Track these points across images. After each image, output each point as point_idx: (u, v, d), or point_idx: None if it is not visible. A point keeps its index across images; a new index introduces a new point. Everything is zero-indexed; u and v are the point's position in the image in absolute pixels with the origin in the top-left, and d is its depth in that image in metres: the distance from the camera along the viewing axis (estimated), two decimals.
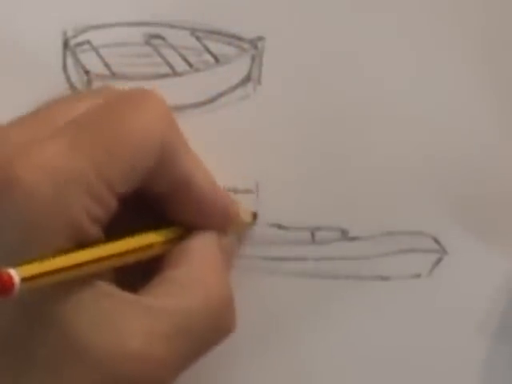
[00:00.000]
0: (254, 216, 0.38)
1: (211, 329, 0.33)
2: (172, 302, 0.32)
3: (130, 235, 0.32)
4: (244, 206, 0.37)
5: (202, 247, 0.34)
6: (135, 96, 0.33)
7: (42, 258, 0.28)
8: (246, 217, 0.37)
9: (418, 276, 0.39)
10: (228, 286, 0.34)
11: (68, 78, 0.39)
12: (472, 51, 0.39)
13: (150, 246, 0.33)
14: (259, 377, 0.38)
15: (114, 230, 0.32)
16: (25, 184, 0.29)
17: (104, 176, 0.30)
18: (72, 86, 0.39)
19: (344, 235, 0.38)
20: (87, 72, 0.39)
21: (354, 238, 0.38)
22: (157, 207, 0.34)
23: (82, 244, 0.30)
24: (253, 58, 0.39)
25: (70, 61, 0.39)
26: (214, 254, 0.34)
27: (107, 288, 0.31)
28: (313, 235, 0.38)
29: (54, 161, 0.29)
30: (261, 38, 0.39)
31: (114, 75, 0.39)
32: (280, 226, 0.38)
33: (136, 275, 0.32)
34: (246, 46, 0.39)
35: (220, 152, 0.38)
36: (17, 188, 0.29)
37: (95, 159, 0.30)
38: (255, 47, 0.39)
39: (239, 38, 0.39)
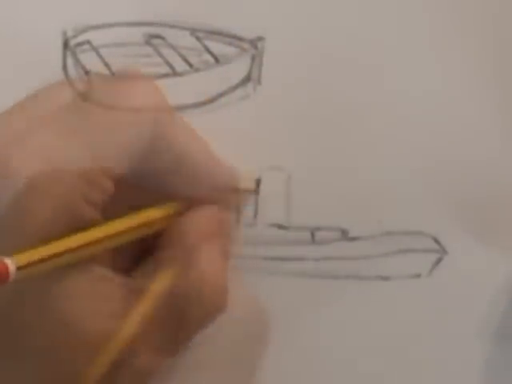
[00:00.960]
0: (258, 183, 0.37)
1: (200, 309, 0.33)
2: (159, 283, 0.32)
3: (127, 215, 0.32)
4: (246, 172, 0.37)
5: (197, 223, 0.33)
6: (123, 77, 0.32)
7: (37, 244, 0.29)
8: (249, 184, 0.37)
9: (418, 276, 0.39)
10: (220, 263, 0.34)
11: (68, 78, 0.38)
12: (475, 51, 0.39)
13: (146, 224, 0.33)
14: (259, 376, 0.38)
15: (113, 210, 0.32)
16: (21, 173, 0.29)
17: (98, 159, 0.30)
18: (72, 86, 0.38)
19: (344, 235, 0.38)
20: (87, 72, 0.39)
21: (354, 238, 0.38)
22: (154, 184, 0.34)
23: (81, 228, 0.30)
24: (253, 58, 0.39)
25: (70, 61, 0.39)
26: (210, 229, 0.34)
27: (102, 272, 0.31)
28: (313, 235, 0.38)
29: (47, 148, 0.30)
30: (261, 38, 0.39)
31: (114, 75, 0.39)
32: (280, 226, 0.38)
33: (135, 257, 0.33)
34: (246, 46, 0.39)
35: (220, 152, 0.38)
36: (13, 177, 0.29)
37: (88, 144, 0.30)
38: (255, 47, 0.39)
39: (239, 38, 0.39)
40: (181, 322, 0.32)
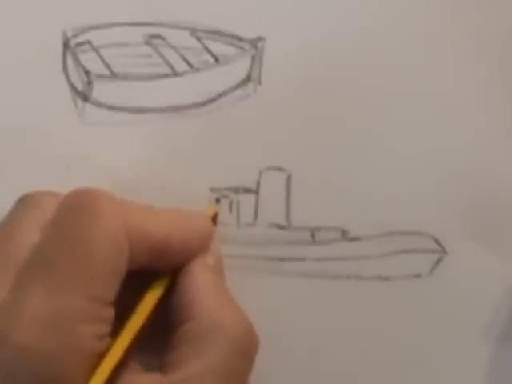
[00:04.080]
0: (214, 217, 0.37)
1: (244, 359, 0.34)
2: (201, 362, 0.32)
3: (129, 313, 0.33)
4: (207, 207, 0.37)
5: (196, 286, 0.34)
6: (82, 205, 0.32)
7: None
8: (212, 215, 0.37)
9: (418, 276, 0.39)
10: (232, 303, 0.35)
11: (68, 78, 0.39)
12: (475, 51, 0.39)
13: (153, 306, 0.34)
14: (259, 376, 0.38)
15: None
16: (21, 345, 0.29)
17: (91, 296, 0.30)
18: (72, 86, 0.39)
19: (344, 235, 0.38)
20: (87, 72, 0.39)
21: (354, 238, 0.38)
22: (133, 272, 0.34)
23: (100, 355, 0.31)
24: (253, 58, 0.39)
25: (70, 61, 0.39)
26: (211, 283, 0.35)
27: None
28: (313, 235, 0.38)
29: (41, 312, 0.30)
30: (261, 38, 0.39)
31: (114, 75, 0.39)
32: (280, 226, 0.38)
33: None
34: (246, 46, 0.39)
35: (220, 152, 0.38)
36: (21, 352, 0.29)
37: (76, 289, 0.30)
38: (255, 47, 0.39)
39: (239, 38, 0.39)
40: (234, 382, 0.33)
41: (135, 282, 0.33)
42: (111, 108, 0.39)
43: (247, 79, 0.39)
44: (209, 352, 0.32)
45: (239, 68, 0.39)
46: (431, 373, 0.39)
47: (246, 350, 0.34)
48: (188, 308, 0.33)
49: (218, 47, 0.39)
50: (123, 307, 0.33)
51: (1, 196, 0.38)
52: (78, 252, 0.31)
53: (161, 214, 0.34)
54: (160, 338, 0.33)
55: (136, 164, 0.38)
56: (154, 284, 0.34)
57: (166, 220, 0.34)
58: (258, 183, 0.38)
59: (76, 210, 0.32)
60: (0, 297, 0.30)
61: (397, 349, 0.38)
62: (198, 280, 0.34)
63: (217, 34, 0.39)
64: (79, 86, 0.39)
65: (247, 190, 0.38)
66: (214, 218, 0.37)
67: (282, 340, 0.38)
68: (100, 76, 0.39)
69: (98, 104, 0.38)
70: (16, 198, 0.37)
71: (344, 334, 0.38)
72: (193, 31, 0.39)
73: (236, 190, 0.38)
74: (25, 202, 0.34)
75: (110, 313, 0.31)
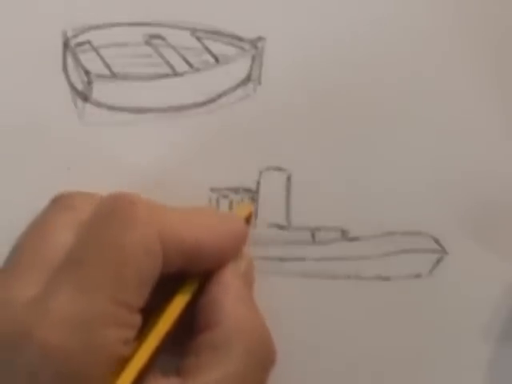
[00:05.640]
0: (248, 218, 0.37)
1: (261, 371, 0.33)
2: (220, 370, 0.32)
3: (155, 317, 0.33)
4: (241, 207, 0.37)
5: (225, 295, 0.34)
6: (118, 211, 0.32)
7: None
8: (248, 215, 0.37)
9: (419, 276, 0.38)
10: (258, 315, 0.34)
11: (68, 78, 0.39)
12: (475, 52, 0.39)
13: (180, 311, 0.34)
14: None
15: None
16: (45, 342, 0.29)
17: (120, 302, 0.30)
18: (72, 86, 0.39)
19: (344, 235, 0.38)
20: (87, 72, 0.39)
21: (354, 238, 0.38)
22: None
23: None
24: (253, 58, 0.39)
25: (70, 61, 0.39)
26: (240, 293, 0.34)
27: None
28: (313, 235, 0.38)
29: (68, 311, 0.30)
30: (261, 38, 0.39)
31: (114, 75, 0.39)
32: (280, 226, 0.38)
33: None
34: (246, 46, 0.39)
35: (220, 152, 0.38)
36: (45, 350, 0.29)
37: (105, 293, 0.30)
38: (255, 47, 0.39)
39: (239, 38, 0.39)
40: None
41: (164, 284, 0.33)
42: (111, 108, 0.39)
43: (247, 79, 0.39)
44: (229, 361, 0.32)
45: (239, 68, 0.39)
46: (431, 373, 0.39)
47: (264, 362, 0.34)
48: (214, 315, 0.33)
49: (218, 47, 0.39)
50: (150, 310, 0.33)
51: (1, 196, 0.38)
52: (110, 257, 0.31)
53: (194, 217, 0.34)
54: (180, 342, 0.33)
55: (136, 164, 0.38)
56: (182, 289, 0.34)
57: (200, 223, 0.34)
58: (258, 183, 0.38)
59: (111, 215, 0.32)
60: (29, 294, 0.30)
61: (397, 349, 0.38)
62: (229, 288, 0.34)
63: (217, 33, 0.39)
64: (79, 86, 0.39)
65: (247, 190, 0.38)
66: (248, 219, 0.37)
67: (282, 340, 0.38)
68: (100, 76, 0.39)
69: (98, 104, 0.38)
70: (16, 197, 0.37)
71: (344, 333, 0.38)
72: (193, 31, 0.39)
73: (236, 190, 0.38)
74: (60, 203, 0.34)
75: (137, 319, 0.31)
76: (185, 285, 0.34)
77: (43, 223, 0.33)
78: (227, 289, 0.34)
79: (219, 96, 0.39)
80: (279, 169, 0.38)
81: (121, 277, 0.31)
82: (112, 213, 0.32)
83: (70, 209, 0.33)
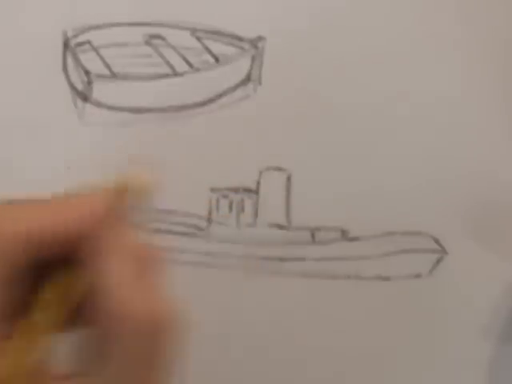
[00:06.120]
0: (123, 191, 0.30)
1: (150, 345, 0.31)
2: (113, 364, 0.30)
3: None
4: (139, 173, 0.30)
5: (103, 278, 0.31)
6: None
7: None
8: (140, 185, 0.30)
9: (419, 276, 0.39)
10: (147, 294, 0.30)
11: (68, 78, 0.39)
12: (475, 52, 0.39)
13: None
14: (259, 376, 0.38)
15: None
16: None
17: None
18: (72, 86, 0.39)
19: (344, 235, 0.38)
20: (87, 72, 0.39)
21: (353, 238, 0.38)
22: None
23: None
24: (253, 58, 0.39)
25: (70, 61, 0.39)
26: (117, 272, 0.31)
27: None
28: (313, 235, 0.38)
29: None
30: (261, 38, 0.39)
31: (114, 75, 0.39)
32: (280, 226, 0.38)
33: None
34: (246, 46, 0.39)
35: (220, 152, 0.38)
36: None
37: None
38: (255, 47, 0.39)
39: (239, 38, 0.39)
40: None
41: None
42: (111, 108, 0.39)
43: (247, 79, 0.39)
44: (120, 354, 0.31)
45: (239, 68, 0.39)
46: (431, 372, 0.39)
47: (151, 336, 0.31)
48: (97, 305, 0.31)
49: (218, 47, 0.39)
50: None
51: (1, 196, 0.38)
52: None
53: (50, 204, 0.32)
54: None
55: (136, 164, 0.38)
56: (56, 277, 0.31)
57: (42, 210, 0.30)
58: (258, 183, 0.38)
59: None
60: None
61: (397, 348, 0.39)
62: (106, 270, 0.31)
63: (217, 33, 0.39)
64: (79, 86, 0.39)
65: (247, 190, 0.38)
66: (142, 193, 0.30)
67: (282, 339, 0.38)
68: (100, 76, 0.39)
69: (98, 104, 0.38)
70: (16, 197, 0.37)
71: (344, 333, 0.39)
72: (193, 31, 0.39)
73: (236, 190, 0.38)
74: None
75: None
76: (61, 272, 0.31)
77: None
78: (110, 276, 0.31)
79: (219, 96, 0.39)
80: (279, 169, 0.38)
81: None
82: None
83: None
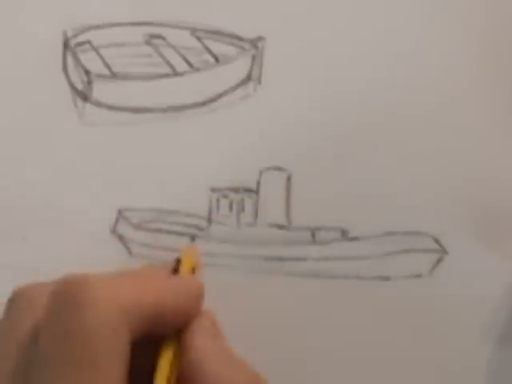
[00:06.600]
0: (194, 268, 0.36)
1: None
2: None
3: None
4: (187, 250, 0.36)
5: (196, 354, 0.33)
6: (73, 296, 0.31)
7: None
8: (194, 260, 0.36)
9: (419, 276, 0.38)
10: (238, 364, 0.34)
11: (68, 78, 0.39)
12: (475, 52, 0.39)
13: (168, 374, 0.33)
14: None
15: None
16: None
17: None
18: (72, 86, 0.39)
19: (344, 235, 0.38)
20: (87, 72, 0.39)
21: (354, 238, 0.38)
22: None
23: None
24: (253, 58, 0.39)
25: (70, 61, 0.39)
26: (210, 348, 0.34)
27: None
28: (313, 235, 0.38)
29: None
30: (261, 38, 0.39)
31: (114, 75, 0.39)
32: (280, 226, 0.38)
33: None
34: (246, 46, 0.39)
35: (220, 152, 0.38)
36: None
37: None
38: (255, 47, 0.39)
39: (239, 38, 0.39)
40: None
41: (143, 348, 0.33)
42: (111, 108, 0.39)
43: (247, 79, 0.39)
44: None
45: (239, 68, 0.39)
46: (431, 373, 0.39)
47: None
48: (193, 377, 0.33)
49: (218, 47, 0.39)
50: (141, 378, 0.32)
51: (1, 196, 0.38)
52: (78, 347, 0.30)
53: (148, 281, 0.34)
54: None
55: (136, 164, 0.38)
56: (163, 351, 0.33)
57: (157, 288, 0.33)
58: (258, 183, 0.38)
59: (67, 303, 0.31)
60: None
61: (397, 349, 0.38)
62: (198, 347, 0.33)
63: (217, 33, 0.39)
64: (79, 86, 0.39)
65: (247, 190, 0.38)
66: (194, 269, 0.36)
67: (282, 340, 0.38)
68: (100, 76, 0.39)
69: (98, 104, 0.39)
70: (16, 197, 0.37)
71: (344, 333, 0.38)
72: (193, 31, 0.39)
73: (236, 190, 0.38)
74: (17, 304, 0.33)
75: None
76: (164, 347, 0.34)
77: (7, 325, 0.33)
78: (197, 348, 0.33)
79: (219, 96, 0.39)
80: (279, 169, 0.38)
81: (92, 363, 0.30)
82: (67, 300, 0.31)
83: (29, 308, 0.33)
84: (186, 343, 0.34)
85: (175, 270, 0.35)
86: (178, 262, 0.35)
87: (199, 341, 0.34)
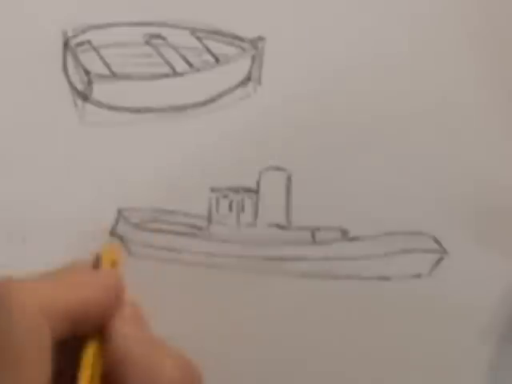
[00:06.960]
0: (114, 262, 0.36)
1: None
2: None
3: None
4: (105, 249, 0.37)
5: (120, 344, 0.34)
6: None
7: None
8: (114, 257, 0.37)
9: (419, 276, 0.38)
10: (163, 350, 0.34)
11: (68, 78, 0.39)
12: (475, 52, 0.39)
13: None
14: (259, 376, 0.38)
15: None
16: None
17: None
18: (72, 86, 0.39)
19: (344, 235, 0.38)
20: (87, 72, 0.39)
21: (353, 238, 0.38)
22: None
23: None
24: (253, 58, 0.39)
25: (70, 61, 0.39)
26: (133, 336, 0.34)
27: None
28: (313, 235, 0.38)
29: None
30: (261, 38, 0.39)
31: (114, 75, 0.39)
32: (280, 226, 0.38)
33: None
34: (246, 46, 0.39)
35: (220, 152, 0.38)
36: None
37: None
38: (255, 47, 0.39)
39: (239, 38, 0.39)
40: None
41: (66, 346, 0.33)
42: (111, 108, 0.39)
43: (247, 79, 0.39)
44: None
45: (239, 68, 0.39)
46: (431, 373, 0.39)
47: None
48: (121, 367, 0.33)
49: (218, 47, 0.39)
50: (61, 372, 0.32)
51: (1, 196, 0.38)
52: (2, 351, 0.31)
53: (69, 279, 0.34)
54: None
55: (136, 164, 0.38)
56: (85, 349, 0.34)
57: (76, 283, 0.34)
58: (258, 183, 0.38)
59: None
60: None
61: (397, 349, 0.38)
62: (121, 333, 0.34)
63: (217, 33, 0.39)
64: (79, 86, 0.39)
65: (247, 190, 0.38)
66: (114, 264, 0.36)
67: (282, 340, 0.38)
68: (100, 76, 0.39)
69: (98, 104, 0.39)
70: (16, 198, 0.37)
71: (344, 333, 0.38)
72: (193, 31, 0.39)
73: (236, 190, 0.38)
74: None
75: None
76: (87, 344, 0.34)
77: None
78: (120, 338, 0.34)
79: (219, 96, 0.39)
80: (279, 169, 0.38)
81: (15, 363, 0.31)
82: None
83: None
84: (109, 332, 0.34)
85: (95, 265, 0.36)
86: (98, 258, 0.36)
87: (122, 328, 0.34)
